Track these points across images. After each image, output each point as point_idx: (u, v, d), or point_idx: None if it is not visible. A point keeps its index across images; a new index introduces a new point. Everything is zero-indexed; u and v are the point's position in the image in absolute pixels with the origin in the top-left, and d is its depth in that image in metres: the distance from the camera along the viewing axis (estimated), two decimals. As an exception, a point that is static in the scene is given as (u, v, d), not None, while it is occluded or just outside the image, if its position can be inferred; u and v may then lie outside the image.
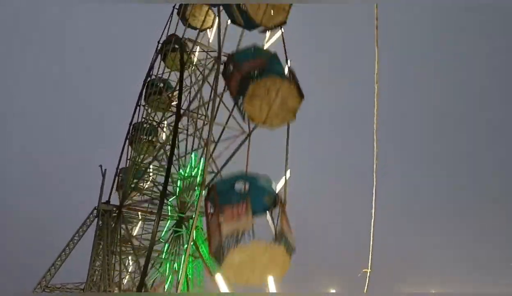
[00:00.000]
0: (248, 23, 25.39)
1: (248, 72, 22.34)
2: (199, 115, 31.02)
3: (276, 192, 22.97)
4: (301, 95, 22.09)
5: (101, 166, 34.66)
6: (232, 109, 28.19)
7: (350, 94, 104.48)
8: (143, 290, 27.26)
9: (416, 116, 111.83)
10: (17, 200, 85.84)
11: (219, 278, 26.15)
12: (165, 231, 34.33)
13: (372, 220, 18.46)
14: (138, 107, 38.90)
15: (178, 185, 32.75)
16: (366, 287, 18.97)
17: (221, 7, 28.03)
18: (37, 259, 38.88)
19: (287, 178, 24.76)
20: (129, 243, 33.48)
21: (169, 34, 36.07)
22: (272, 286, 20.49)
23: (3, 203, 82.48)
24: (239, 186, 22.36)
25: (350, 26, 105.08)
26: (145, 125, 38.38)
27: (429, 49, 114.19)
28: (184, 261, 27.02)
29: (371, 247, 18.37)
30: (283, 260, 20.15)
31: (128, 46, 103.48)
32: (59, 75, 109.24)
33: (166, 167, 29.64)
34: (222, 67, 25.76)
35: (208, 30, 35.24)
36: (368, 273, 18.77)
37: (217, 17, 32.68)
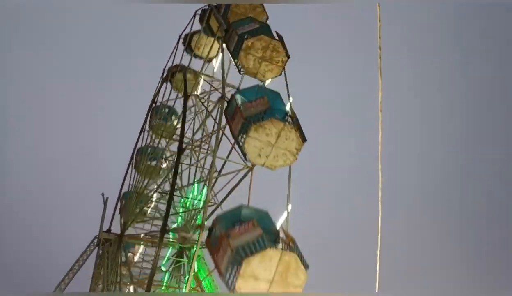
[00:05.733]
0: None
1: (250, 115, 22.67)
2: (201, 148, 31.60)
3: (277, 228, 21.99)
4: (303, 139, 22.49)
5: (102, 194, 34.66)
6: (235, 143, 27.99)
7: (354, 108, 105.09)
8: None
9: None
10: (16, 227, 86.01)
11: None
12: (166, 260, 34.23)
13: (379, 246, 18.86)
14: (142, 133, 39.12)
15: (180, 213, 32.73)
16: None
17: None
18: (37, 287, 38.78)
19: (288, 211, 24.30)
20: (129, 271, 33.21)
21: (174, 62, 36.91)
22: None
23: (2, 230, 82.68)
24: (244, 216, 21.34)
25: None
26: (149, 150, 38.18)
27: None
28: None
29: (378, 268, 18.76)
30: (297, 268, 19.47)
31: (133, 72, 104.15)
32: (57, 105, 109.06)
33: (168, 197, 29.71)
34: (225, 105, 26.31)
35: (213, 60, 35.58)
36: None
37: (221, 48, 33.77)
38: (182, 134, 29.55)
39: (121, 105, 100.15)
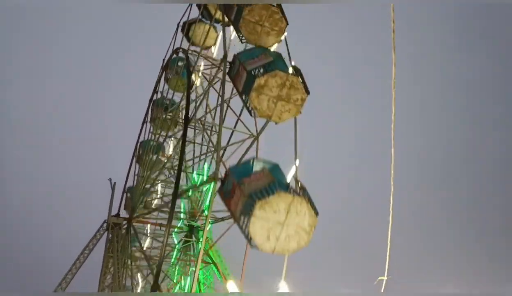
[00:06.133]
0: None
1: (253, 191, 19.39)
2: (206, 126, 30.79)
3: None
4: (315, 211, 19.69)
5: (110, 179, 34.84)
6: (240, 114, 28.24)
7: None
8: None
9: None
10: (26, 213, 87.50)
11: (231, 285, 26.29)
12: (176, 239, 34.67)
13: (390, 226, 18.43)
14: (144, 125, 38.65)
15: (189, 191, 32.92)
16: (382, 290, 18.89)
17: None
18: (47, 273, 39.07)
19: (296, 166, 24.17)
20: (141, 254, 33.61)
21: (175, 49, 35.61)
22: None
23: (16, 216, 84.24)
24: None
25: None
26: (151, 143, 37.11)
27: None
28: (196, 267, 26.89)
29: (388, 254, 18.28)
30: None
31: (134, 62, 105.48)
32: (65, 92, 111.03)
33: (175, 177, 29.64)
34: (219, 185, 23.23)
35: (212, 47, 35.31)
36: (385, 281, 18.62)
37: (220, 34, 33.47)
38: (187, 108, 27.92)
39: (125, 94, 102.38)
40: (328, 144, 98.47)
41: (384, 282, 18.61)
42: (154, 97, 38.22)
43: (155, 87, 38.35)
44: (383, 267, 18.56)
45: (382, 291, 18.74)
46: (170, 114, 35.96)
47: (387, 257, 18.74)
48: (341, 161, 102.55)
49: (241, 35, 25.65)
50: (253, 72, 22.78)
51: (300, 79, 22.90)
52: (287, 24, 26.13)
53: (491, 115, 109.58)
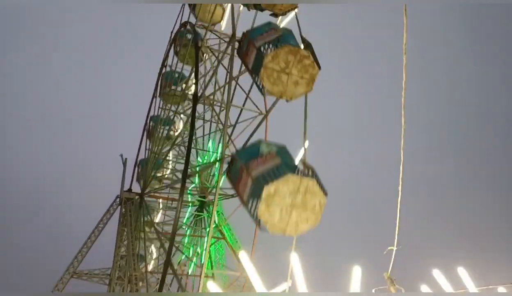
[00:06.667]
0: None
1: (260, 175, 18.44)
2: (215, 102, 30.43)
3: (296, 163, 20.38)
4: (325, 193, 18.67)
5: (121, 155, 35.64)
6: (249, 92, 28.07)
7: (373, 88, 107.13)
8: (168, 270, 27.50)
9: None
10: (40, 191, 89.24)
11: (243, 255, 26.74)
12: (187, 217, 35.40)
13: (399, 197, 18.47)
14: (154, 99, 38.72)
15: (198, 166, 33.57)
16: (391, 265, 19.00)
17: None
18: (64, 249, 39.73)
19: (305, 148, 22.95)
20: (152, 228, 34.18)
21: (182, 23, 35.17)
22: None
23: (29, 196, 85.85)
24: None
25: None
26: (162, 117, 36.97)
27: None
28: (207, 241, 27.46)
29: (397, 224, 17.57)
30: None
31: (142, 36, 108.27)
32: (76, 67, 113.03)
33: (185, 152, 30.13)
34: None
35: (220, 22, 35.20)
36: (394, 251, 18.09)
37: (227, 10, 33.70)
38: (196, 81, 28.29)
39: (134, 72, 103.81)
40: (336, 117, 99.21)
41: (394, 252, 17.99)
42: (163, 71, 38.24)
43: (164, 61, 38.29)
44: (392, 240, 18.72)
45: (389, 270, 18.46)
46: (179, 88, 35.86)
47: (397, 226, 18.81)
48: (349, 135, 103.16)
49: (261, 86, 22.24)
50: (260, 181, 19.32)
51: (317, 180, 19.57)
52: (320, 69, 22.33)
53: (503, 79, 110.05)
